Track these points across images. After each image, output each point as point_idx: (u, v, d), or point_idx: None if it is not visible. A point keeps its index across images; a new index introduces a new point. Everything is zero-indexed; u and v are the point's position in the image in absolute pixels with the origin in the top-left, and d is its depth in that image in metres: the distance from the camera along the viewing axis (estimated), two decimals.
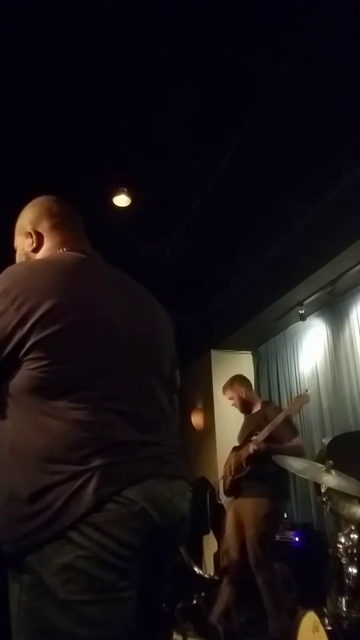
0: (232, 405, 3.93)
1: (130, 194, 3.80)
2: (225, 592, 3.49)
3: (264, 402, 3.95)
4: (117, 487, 1.04)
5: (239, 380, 3.96)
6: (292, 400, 3.74)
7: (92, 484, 1.02)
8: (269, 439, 3.46)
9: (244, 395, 3.83)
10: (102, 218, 3.61)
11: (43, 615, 0.98)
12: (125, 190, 3.77)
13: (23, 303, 1.10)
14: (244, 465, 3.53)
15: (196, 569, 3.36)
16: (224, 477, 3.83)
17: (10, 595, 1.05)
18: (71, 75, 2.85)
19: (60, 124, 3.15)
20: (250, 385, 4.02)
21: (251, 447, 3.46)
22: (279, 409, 3.75)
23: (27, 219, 1.43)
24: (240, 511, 3.56)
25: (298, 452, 3.43)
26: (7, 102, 2.95)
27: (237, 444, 3.89)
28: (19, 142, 3.25)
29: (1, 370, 1.12)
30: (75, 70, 2.82)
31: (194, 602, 3.27)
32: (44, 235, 1.39)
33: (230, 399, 3.91)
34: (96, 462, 1.04)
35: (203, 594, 3.47)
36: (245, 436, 3.70)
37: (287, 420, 3.56)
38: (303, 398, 3.65)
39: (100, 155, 3.44)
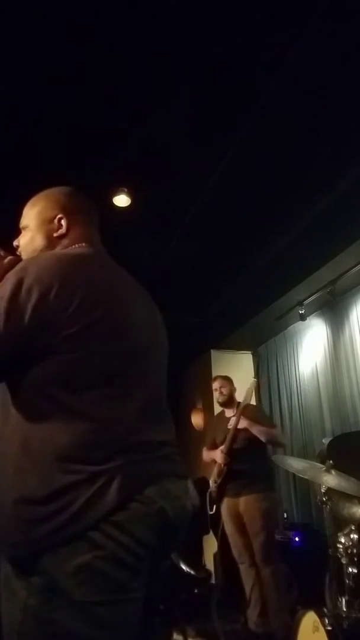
0: (219, 394, 4.03)
1: (130, 194, 3.80)
2: (254, 594, 3.54)
3: (238, 403, 4.03)
4: (139, 486, 1.05)
5: (225, 380, 4.13)
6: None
7: (116, 483, 1.02)
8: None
9: (234, 394, 4.01)
10: (102, 218, 3.61)
11: (54, 619, 0.96)
12: (125, 190, 3.77)
13: (59, 292, 1.08)
14: (222, 467, 3.69)
15: (183, 567, 3.37)
16: (211, 491, 3.89)
17: (10, 601, 1.02)
18: (71, 75, 2.85)
19: (60, 124, 3.15)
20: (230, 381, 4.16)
21: (219, 455, 3.71)
22: (266, 417, 3.99)
23: (58, 202, 1.37)
24: (239, 509, 3.59)
25: (275, 439, 3.62)
26: (6, 102, 2.95)
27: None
28: (18, 142, 3.25)
29: (30, 360, 1.08)
30: (75, 70, 2.82)
31: (184, 600, 3.28)
32: (74, 226, 1.36)
33: (221, 387, 4.01)
34: (118, 462, 1.04)
35: (196, 591, 3.48)
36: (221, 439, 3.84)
37: (259, 413, 3.84)
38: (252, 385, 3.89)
39: (100, 155, 3.44)
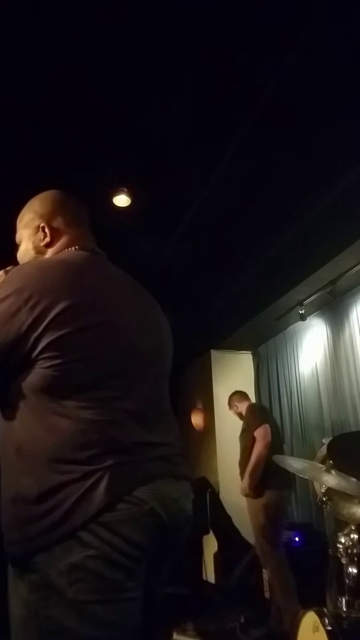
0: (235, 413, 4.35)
1: (130, 194, 3.80)
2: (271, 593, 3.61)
3: (248, 406, 4.24)
4: (128, 487, 1.05)
5: (233, 396, 4.41)
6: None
7: (103, 484, 1.02)
8: (252, 439, 3.81)
9: (238, 410, 4.30)
10: (102, 218, 3.61)
11: (50, 616, 0.98)
12: (125, 190, 3.77)
13: (37, 303, 1.09)
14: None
15: None
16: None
17: (14, 596, 1.04)
18: (71, 75, 2.85)
19: (60, 124, 3.15)
20: (241, 396, 4.40)
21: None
22: (253, 417, 4.07)
23: (37, 212, 1.39)
24: (252, 506, 3.71)
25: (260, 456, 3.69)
26: (6, 101, 2.95)
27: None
28: (18, 142, 3.25)
29: (14, 369, 1.11)
30: (75, 70, 2.82)
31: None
32: (59, 231, 1.36)
33: (232, 407, 4.38)
34: (107, 462, 1.04)
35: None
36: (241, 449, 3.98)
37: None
38: None
39: (100, 155, 3.44)
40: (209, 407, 6.14)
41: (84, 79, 2.88)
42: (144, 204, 3.93)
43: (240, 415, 4.23)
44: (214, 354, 6.24)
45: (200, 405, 6.37)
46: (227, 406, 4.44)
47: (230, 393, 4.51)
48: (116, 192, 3.77)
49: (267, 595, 3.67)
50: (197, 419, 6.33)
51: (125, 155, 3.49)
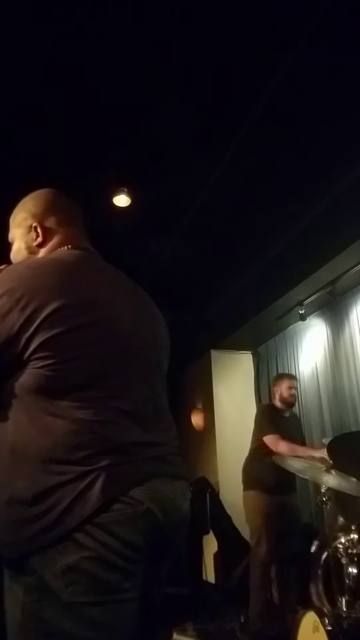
0: (293, 395, 4.02)
1: (130, 194, 3.80)
2: (263, 594, 3.56)
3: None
4: (123, 488, 1.04)
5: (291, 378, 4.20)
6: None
7: (99, 485, 1.01)
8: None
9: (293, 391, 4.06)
10: (102, 218, 3.61)
11: (46, 618, 0.97)
12: (125, 190, 3.77)
13: (28, 303, 1.08)
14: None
15: None
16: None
17: (10, 598, 1.04)
18: (71, 75, 2.85)
19: (60, 124, 3.15)
20: None
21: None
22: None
23: (29, 211, 1.38)
24: (287, 505, 3.72)
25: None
26: (6, 101, 2.95)
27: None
28: (18, 142, 3.25)
29: (7, 370, 1.11)
30: (75, 70, 2.82)
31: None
32: (52, 230, 1.35)
33: (295, 388, 4.06)
34: (102, 463, 1.04)
35: None
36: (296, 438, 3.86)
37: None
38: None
39: (100, 155, 3.44)
40: (209, 407, 6.14)
41: (84, 79, 2.88)
42: (144, 204, 3.93)
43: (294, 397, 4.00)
44: (214, 354, 6.24)
45: (200, 405, 6.37)
46: (294, 387, 4.04)
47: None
48: (116, 192, 3.77)
49: (269, 595, 3.66)
50: (197, 419, 6.33)
51: (125, 155, 3.49)
